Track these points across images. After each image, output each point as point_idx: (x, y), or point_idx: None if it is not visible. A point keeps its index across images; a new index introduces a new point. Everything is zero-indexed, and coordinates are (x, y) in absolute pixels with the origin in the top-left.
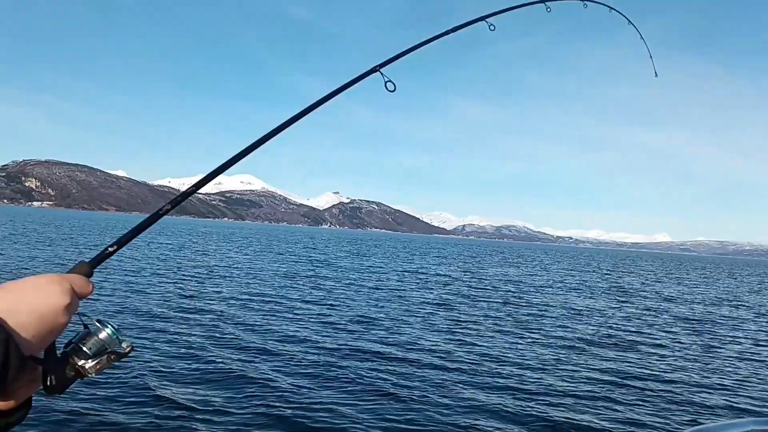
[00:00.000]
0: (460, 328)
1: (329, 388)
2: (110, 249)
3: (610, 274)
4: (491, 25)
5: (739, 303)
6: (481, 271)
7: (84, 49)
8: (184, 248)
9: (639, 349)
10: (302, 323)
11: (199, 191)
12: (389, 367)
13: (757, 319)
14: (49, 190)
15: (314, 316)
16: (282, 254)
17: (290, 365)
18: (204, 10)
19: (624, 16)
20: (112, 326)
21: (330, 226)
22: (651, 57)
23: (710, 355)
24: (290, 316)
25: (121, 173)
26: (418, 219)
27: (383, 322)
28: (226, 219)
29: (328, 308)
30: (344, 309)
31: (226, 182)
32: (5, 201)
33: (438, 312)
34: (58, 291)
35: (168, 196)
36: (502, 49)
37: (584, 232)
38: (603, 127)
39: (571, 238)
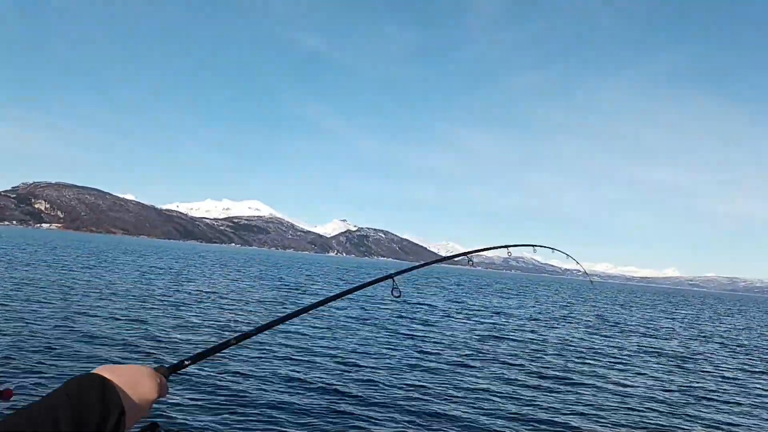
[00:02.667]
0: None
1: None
2: (187, 362)
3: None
4: (470, 260)
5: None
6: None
7: (95, 73)
8: (174, 273)
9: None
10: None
11: (207, 217)
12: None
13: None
14: (59, 213)
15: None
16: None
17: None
18: (216, 38)
19: (565, 254)
20: (162, 430)
21: (337, 253)
22: (590, 279)
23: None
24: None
25: (129, 197)
26: (425, 248)
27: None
28: (233, 244)
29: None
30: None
31: (234, 208)
32: (15, 222)
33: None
34: (156, 386)
35: (176, 220)
36: (514, 82)
37: (593, 266)
38: (612, 161)
39: (579, 271)
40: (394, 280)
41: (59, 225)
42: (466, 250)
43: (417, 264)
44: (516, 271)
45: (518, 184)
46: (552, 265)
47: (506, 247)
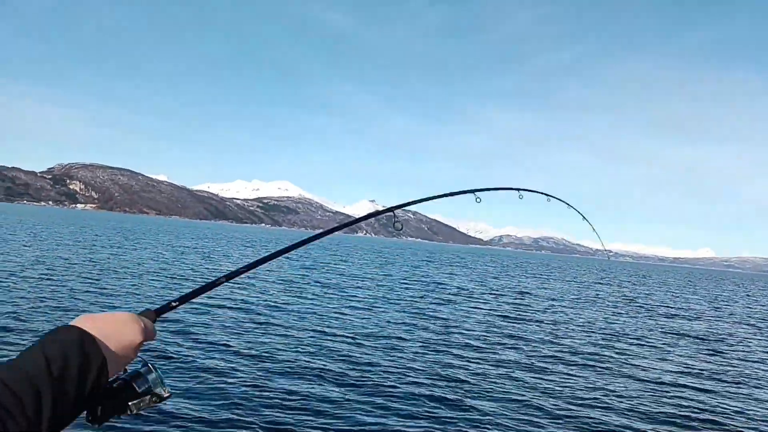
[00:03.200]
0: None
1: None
2: (174, 303)
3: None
4: (477, 197)
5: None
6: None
7: (129, 55)
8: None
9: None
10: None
11: (238, 197)
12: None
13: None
14: (93, 193)
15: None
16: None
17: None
18: (243, 19)
19: (579, 213)
20: (159, 371)
21: (366, 234)
22: (603, 247)
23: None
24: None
25: (162, 177)
26: (455, 229)
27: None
28: (263, 225)
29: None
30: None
31: (264, 188)
32: (51, 203)
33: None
34: (138, 329)
35: (207, 200)
36: (543, 60)
37: (625, 246)
38: (644, 139)
39: (611, 251)
40: (395, 214)
41: (93, 205)
42: (496, 231)
43: (416, 200)
44: (546, 252)
45: (547, 164)
46: (583, 246)
47: (518, 190)
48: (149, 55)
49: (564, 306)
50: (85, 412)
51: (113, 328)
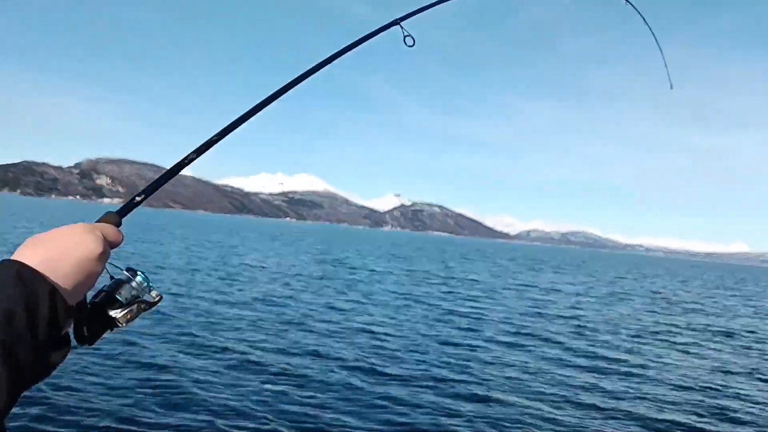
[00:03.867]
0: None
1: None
2: (137, 198)
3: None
4: None
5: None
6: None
7: (155, 50)
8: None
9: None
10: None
11: (263, 191)
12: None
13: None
14: (119, 188)
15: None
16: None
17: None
18: (269, 12)
19: (639, 14)
20: (142, 273)
21: (391, 228)
22: (666, 66)
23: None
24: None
25: (187, 172)
26: (481, 223)
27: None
28: (288, 219)
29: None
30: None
31: (288, 182)
32: (78, 197)
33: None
34: (92, 239)
35: (231, 195)
36: (568, 47)
37: (655, 240)
38: (674, 128)
39: (641, 246)
40: (401, 26)
41: (120, 200)
42: (523, 226)
43: (430, 3)
44: (575, 246)
45: (575, 154)
46: (612, 240)
47: None
48: (173, 50)
49: (589, 303)
50: (72, 335)
51: (61, 246)
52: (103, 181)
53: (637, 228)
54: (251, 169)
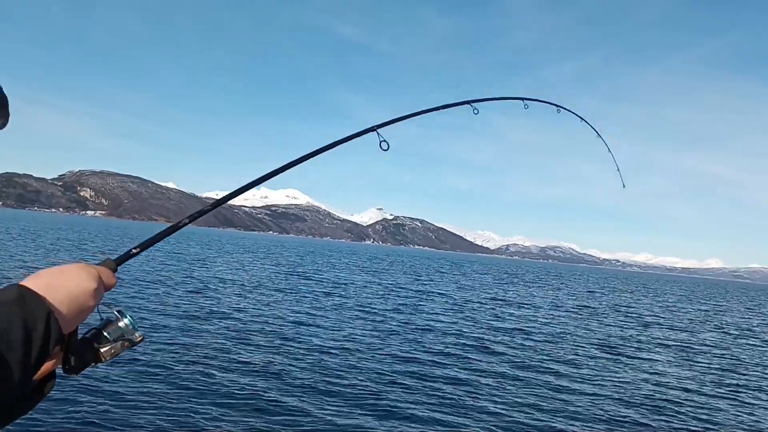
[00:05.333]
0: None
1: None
2: (134, 251)
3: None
4: (475, 109)
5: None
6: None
7: (138, 64)
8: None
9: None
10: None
11: (246, 205)
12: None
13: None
14: (103, 200)
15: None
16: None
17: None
18: (254, 28)
19: (593, 129)
20: (130, 317)
21: (373, 242)
22: (618, 170)
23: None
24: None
25: (170, 185)
26: (462, 237)
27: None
28: (270, 232)
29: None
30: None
31: (272, 196)
32: (61, 210)
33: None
34: (89, 277)
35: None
36: (550, 72)
37: (632, 256)
38: (653, 150)
39: (618, 261)
40: (378, 132)
41: (103, 212)
42: (503, 240)
43: (402, 116)
44: (553, 261)
45: (557, 174)
46: (591, 255)
47: (522, 99)
48: (158, 64)
49: (559, 316)
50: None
51: (60, 279)
52: (86, 193)
53: (614, 243)
54: (235, 182)
